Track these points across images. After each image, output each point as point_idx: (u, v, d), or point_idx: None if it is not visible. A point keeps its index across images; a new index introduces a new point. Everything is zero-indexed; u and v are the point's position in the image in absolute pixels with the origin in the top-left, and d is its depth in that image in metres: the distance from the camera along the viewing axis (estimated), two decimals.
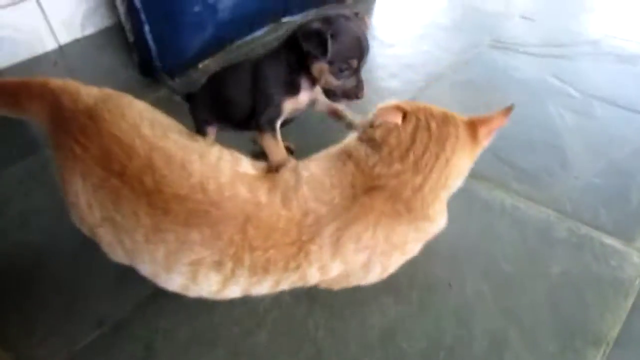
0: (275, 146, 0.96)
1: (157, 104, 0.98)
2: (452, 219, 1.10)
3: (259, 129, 0.96)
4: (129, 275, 1.04)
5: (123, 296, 1.01)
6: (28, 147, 1.37)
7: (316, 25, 0.85)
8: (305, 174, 0.85)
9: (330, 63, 0.87)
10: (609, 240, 1.04)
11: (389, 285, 0.97)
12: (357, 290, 0.96)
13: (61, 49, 1.96)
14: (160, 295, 1.01)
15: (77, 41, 1.95)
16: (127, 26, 1.69)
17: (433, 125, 0.85)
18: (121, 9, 1.65)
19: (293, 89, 0.94)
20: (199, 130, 1.11)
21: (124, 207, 0.80)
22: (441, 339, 0.88)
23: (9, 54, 1.88)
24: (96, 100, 0.89)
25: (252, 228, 0.78)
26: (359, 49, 0.87)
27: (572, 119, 1.42)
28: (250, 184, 0.82)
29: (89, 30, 2.03)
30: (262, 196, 0.80)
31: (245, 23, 1.70)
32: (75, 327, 0.96)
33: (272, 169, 0.93)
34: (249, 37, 1.86)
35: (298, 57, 0.90)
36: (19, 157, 1.34)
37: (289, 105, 0.96)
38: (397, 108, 0.86)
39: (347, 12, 0.91)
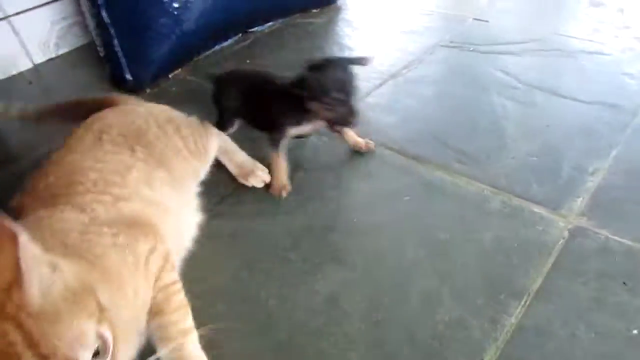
0: (276, 163, 1.23)
1: None
2: (395, 198, 1.21)
3: (269, 144, 1.22)
4: None
5: None
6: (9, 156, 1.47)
7: (304, 73, 1.09)
8: None
9: (321, 101, 1.07)
10: (537, 209, 1.14)
11: (336, 255, 1.06)
12: (306, 261, 1.06)
13: (36, 69, 2.06)
14: None
15: (51, 60, 2.05)
16: (98, 41, 1.80)
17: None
18: (91, 24, 1.77)
19: (297, 121, 1.18)
20: (222, 118, 1.31)
21: None
22: (380, 299, 0.97)
23: None
24: None
25: None
26: (342, 84, 1.07)
27: (513, 107, 1.53)
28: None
29: (64, 49, 2.13)
30: None
31: (211, 33, 1.80)
32: None
33: (274, 187, 1.23)
34: (217, 47, 1.97)
35: (300, 97, 1.10)
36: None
37: (293, 131, 1.21)
38: None
39: (334, 58, 1.22)
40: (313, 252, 1.08)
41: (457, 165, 1.30)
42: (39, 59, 2.07)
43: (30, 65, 2.08)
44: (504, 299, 0.95)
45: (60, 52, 2.13)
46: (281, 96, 1.14)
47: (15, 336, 0.48)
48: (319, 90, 1.06)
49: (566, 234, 1.07)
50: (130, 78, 1.75)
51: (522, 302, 0.94)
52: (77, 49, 2.15)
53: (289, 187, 1.24)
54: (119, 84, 1.79)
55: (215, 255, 1.12)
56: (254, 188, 1.27)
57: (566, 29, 2.00)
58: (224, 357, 0.89)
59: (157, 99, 1.73)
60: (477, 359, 0.86)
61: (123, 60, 1.72)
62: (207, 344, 0.86)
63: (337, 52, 1.99)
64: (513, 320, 0.91)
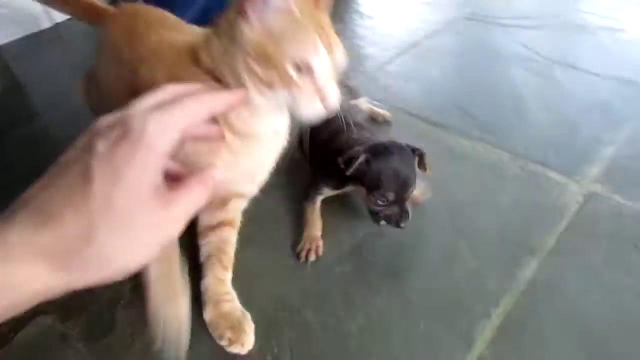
0: (309, 218, 1.07)
1: None
2: None
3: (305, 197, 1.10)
4: None
5: None
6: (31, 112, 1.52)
7: (357, 150, 0.94)
8: None
9: (368, 190, 0.95)
10: (553, 175, 1.19)
11: (358, 211, 1.11)
12: (331, 214, 1.11)
13: (57, 27, 2.08)
14: None
15: (70, 19, 2.08)
16: None
17: None
18: None
19: (337, 186, 1.07)
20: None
21: None
22: (401, 252, 1.03)
23: (6, 32, 2.01)
24: None
25: None
26: (395, 182, 0.92)
27: (533, 81, 1.57)
28: None
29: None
30: None
31: None
32: None
33: (304, 242, 1.04)
34: None
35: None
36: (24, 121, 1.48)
37: (330, 193, 1.09)
38: None
39: (400, 144, 0.98)
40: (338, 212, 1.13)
41: (477, 132, 1.34)
42: (59, 17, 2.10)
43: (50, 24, 2.11)
44: (519, 255, 1.01)
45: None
46: (327, 165, 1.03)
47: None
48: (372, 185, 0.94)
49: (580, 198, 1.12)
50: None
51: (537, 259, 1.00)
52: None
53: (321, 248, 1.03)
54: None
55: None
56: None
57: (587, 6, 2.01)
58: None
59: None
60: (492, 306, 0.92)
61: None
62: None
63: (355, 19, 2.01)
64: (528, 274, 0.97)
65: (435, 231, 1.07)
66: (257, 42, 0.66)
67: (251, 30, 0.66)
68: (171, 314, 0.75)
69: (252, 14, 0.66)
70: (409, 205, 0.96)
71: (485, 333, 0.88)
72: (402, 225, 0.95)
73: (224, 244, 0.97)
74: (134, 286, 1.00)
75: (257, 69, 0.67)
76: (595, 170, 1.19)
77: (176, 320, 0.76)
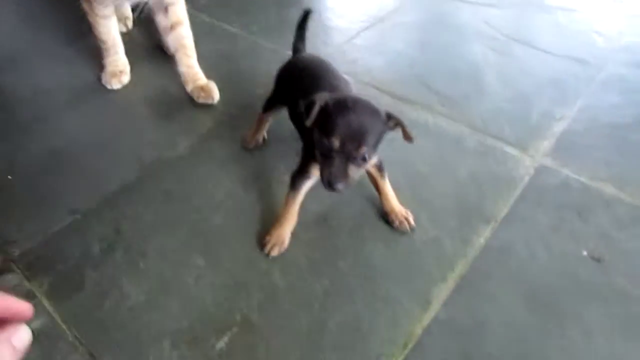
0: (290, 204, 1.02)
1: None
2: None
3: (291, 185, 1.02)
4: (96, 174, 1.18)
5: (92, 191, 1.15)
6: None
7: (321, 95, 0.88)
8: None
9: (318, 134, 0.87)
10: (508, 149, 1.25)
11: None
12: None
13: None
14: (125, 190, 1.15)
15: None
16: None
17: None
18: None
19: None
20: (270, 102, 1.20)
21: None
22: (364, 215, 1.08)
23: None
24: None
25: None
26: (344, 132, 0.84)
27: (493, 57, 1.62)
28: None
29: None
30: None
31: None
32: (48, 215, 1.10)
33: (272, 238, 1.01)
34: None
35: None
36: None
37: (316, 174, 0.95)
38: None
39: (371, 105, 0.89)
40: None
41: (439, 106, 1.39)
42: None
43: None
44: (474, 223, 1.07)
45: None
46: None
47: None
48: (322, 128, 0.87)
49: (532, 171, 1.19)
50: None
51: (490, 226, 1.07)
52: None
53: (286, 245, 1.03)
54: None
55: (212, 175, 1.19)
56: (249, 114, 1.33)
57: None
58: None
59: None
60: (449, 270, 0.98)
61: None
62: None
63: None
64: (482, 240, 1.04)
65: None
66: None
67: None
68: None
69: None
70: (352, 171, 0.86)
71: (441, 295, 0.94)
72: (335, 186, 0.85)
73: (182, 40, 1.46)
74: (104, 248, 1.01)
75: None
76: (546, 144, 1.26)
77: None
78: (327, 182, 0.85)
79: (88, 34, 1.50)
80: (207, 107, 1.41)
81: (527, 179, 1.18)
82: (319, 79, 1.05)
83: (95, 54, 1.56)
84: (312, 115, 0.86)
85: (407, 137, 0.91)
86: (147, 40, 1.72)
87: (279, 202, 1.10)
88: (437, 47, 1.67)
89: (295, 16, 1.23)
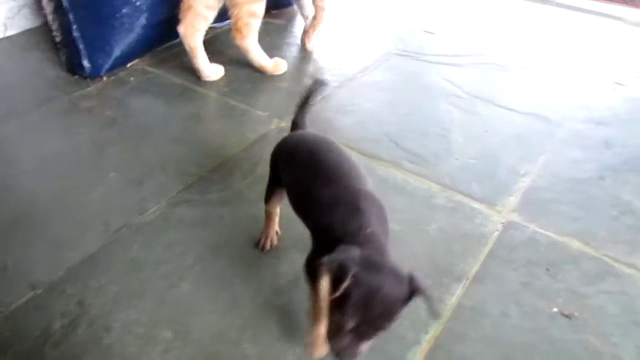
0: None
1: (81, 99, 1.08)
2: None
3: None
4: (60, 243, 1.15)
5: (55, 262, 1.11)
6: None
7: (346, 258, 0.73)
8: None
9: (331, 303, 0.74)
10: (476, 205, 1.28)
11: (298, 242, 1.14)
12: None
13: None
14: (89, 260, 1.12)
15: None
16: (54, 26, 1.78)
17: None
18: (48, 8, 1.74)
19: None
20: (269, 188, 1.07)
21: None
22: None
23: None
24: None
25: None
26: (363, 315, 0.72)
27: (458, 115, 1.68)
28: None
29: (12, 31, 2.07)
30: None
31: (172, 26, 1.82)
32: (6, 291, 1.05)
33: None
34: (177, 40, 1.99)
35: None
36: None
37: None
38: None
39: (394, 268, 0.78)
40: (279, 239, 1.15)
41: (408, 164, 1.42)
42: None
43: None
44: (446, 281, 1.07)
45: (9, 33, 2.07)
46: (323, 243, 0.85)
47: None
48: (353, 300, 0.71)
49: (500, 226, 1.21)
50: (88, 65, 1.74)
51: (462, 285, 1.07)
52: (26, 32, 2.10)
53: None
54: (75, 70, 1.77)
55: (181, 240, 1.17)
56: (220, 177, 1.32)
57: (502, 45, 2.19)
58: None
59: (114, 87, 1.74)
60: (423, 333, 0.97)
61: (81, 47, 1.71)
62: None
63: (297, 53, 2.07)
64: (454, 300, 1.03)
65: None
66: None
67: None
68: None
69: None
70: (364, 346, 0.75)
71: (415, 359, 0.92)
72: (346, 352, 0.74)
73: None
74: (66, 324, 0.97)
75: None
76: (512, 200, 1.30)
77: None
78: (336, 354, 0.76)
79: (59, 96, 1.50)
80: (179, 172, 1.40)
81: (496, 234, 1.19)
82: (331, 171, 0.92)
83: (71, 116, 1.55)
84: (342, 288, 0.71)
85: (434, 313, 0.81)
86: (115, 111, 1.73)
87: (249, 267, 1.09)
88: (404, 106, 1.73)
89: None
